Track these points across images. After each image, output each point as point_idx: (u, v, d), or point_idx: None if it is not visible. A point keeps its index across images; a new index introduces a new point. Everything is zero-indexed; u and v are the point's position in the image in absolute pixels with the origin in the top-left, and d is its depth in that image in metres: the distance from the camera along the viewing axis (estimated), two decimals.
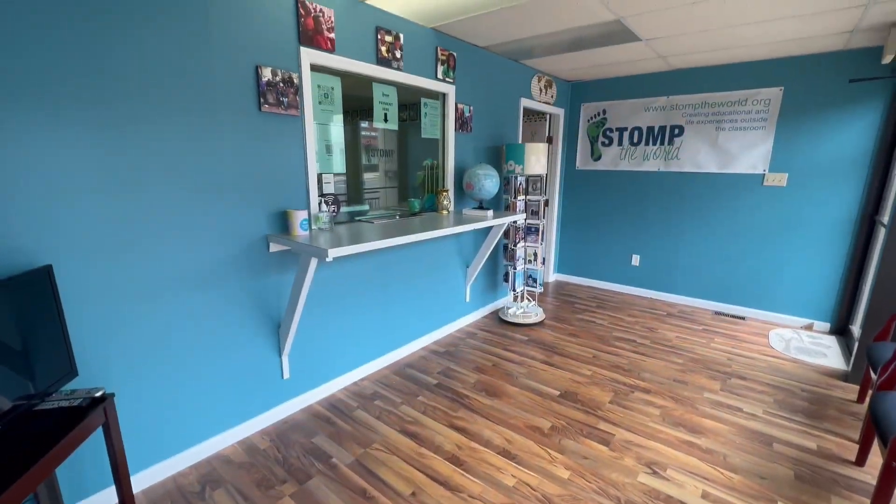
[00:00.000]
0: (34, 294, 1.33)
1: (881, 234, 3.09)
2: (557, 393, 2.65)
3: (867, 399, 2.57)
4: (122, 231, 1.66)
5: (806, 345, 3.39)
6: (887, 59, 2.82)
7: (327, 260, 1.85)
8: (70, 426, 1.32)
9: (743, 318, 3.97)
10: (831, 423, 2.36)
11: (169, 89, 1.72)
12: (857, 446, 2.15)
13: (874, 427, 1.70)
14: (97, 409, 1.43)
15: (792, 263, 3.75)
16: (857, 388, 2.74)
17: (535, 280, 3.91)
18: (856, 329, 3.29)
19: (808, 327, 3.74)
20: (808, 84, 3.48)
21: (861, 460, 2.02)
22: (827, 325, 3.67)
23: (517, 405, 2.51)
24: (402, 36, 2.69)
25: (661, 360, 3.12)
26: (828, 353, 3.23)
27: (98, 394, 1.48)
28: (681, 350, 3.29)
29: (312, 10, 2.17)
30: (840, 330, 3.59)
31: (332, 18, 2.26)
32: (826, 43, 3.13)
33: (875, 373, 2.13)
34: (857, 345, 2.83)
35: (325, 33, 2.25)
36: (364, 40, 2.48)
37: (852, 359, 2.86)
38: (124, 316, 1.71)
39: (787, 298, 3.82)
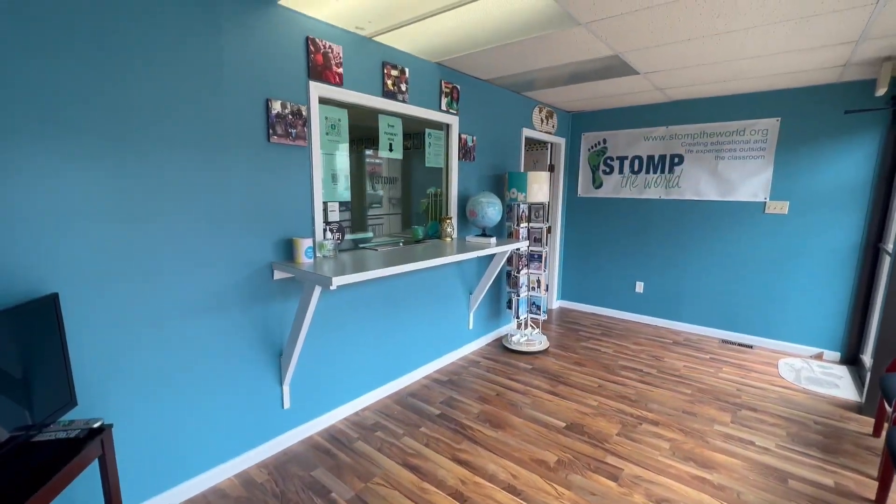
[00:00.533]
0: (39, 323, 1.34)
1: (886, 261, 3.07)
2: (563, 424, 2.58)
3: (883, 433, 2.49)
4: (128, 259, 1.68)
5: (816, 375, 3.32)
6: (880, 92, 2.89)
7: (331, 288, 1.85)
8: (66, 459, 1.29)
9: (751, 347, 3.91)
10: (847, 458, 2.28)
11: (181, 120, 1.77)
12: (876, 483, 2.07)
13: (893, 464, 1.64)
14: (94, 440, 1.40)
15: (798, 291, 3.72)
16: (872, 420, 2.66)
17: (538, 307, 3.88)
18: (867, 359, 3.22)
19: (818, 356, 3.67)
20: (804, 115, 3.55)
21: (882, 498, 1.94)
22: (837, 355, 3.60)
23: (522, 437, 2.44)
24: (407, 70, 2.78)
25: (669, 390, 3.05)
26: (839, 384, 3.16)
27: (96, 424, 1.45)
28: (688, 380, 3.22)
29: (322, 47, 2.25)
30: (851, 359, 3.52)
31: (341, 54, 2.35)
32: (820, 76, 3.22)
33: (890, 405, 2.08)
34: (868, 375, 2.77)
35: (334, 68, 2.33)
36: (371, 74, 2.57)
37: (865, 390, 2.79)
38: (125, 344, 1.71)
39: (795, 327, 3.76)
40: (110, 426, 1.48)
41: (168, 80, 1.72)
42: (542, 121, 4.33)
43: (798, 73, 3.16)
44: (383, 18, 2.24)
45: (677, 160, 4.19)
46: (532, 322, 4.12)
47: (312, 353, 2.43)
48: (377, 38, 2.53)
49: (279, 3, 2.04)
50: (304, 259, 2.16)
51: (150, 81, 1.67)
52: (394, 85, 2.70)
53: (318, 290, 2.00)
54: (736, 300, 4.02)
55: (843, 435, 2.50)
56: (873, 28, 2.27)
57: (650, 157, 4.35)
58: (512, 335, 3.90)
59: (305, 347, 2.39)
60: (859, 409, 2.79)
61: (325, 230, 2.41)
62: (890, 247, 3.06)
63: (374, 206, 3.52)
